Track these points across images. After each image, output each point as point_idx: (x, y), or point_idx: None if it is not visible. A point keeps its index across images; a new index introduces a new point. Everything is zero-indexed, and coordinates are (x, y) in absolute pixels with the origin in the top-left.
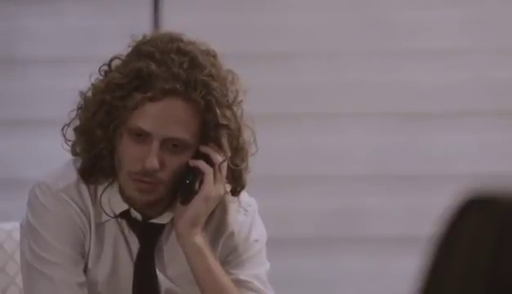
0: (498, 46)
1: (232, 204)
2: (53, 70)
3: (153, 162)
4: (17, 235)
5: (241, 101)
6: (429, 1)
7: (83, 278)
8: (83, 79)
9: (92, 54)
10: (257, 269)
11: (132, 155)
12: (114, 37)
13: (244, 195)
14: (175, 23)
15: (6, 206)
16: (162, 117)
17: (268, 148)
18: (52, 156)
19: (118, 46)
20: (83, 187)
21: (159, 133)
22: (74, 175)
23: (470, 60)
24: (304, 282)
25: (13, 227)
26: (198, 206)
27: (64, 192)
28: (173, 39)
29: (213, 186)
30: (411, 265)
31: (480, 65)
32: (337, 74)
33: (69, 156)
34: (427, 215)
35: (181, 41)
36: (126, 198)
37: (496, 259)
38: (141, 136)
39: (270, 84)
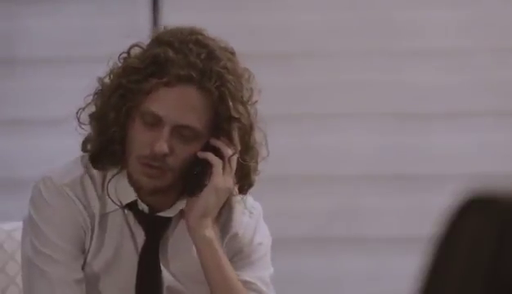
0: (498, 46)
1: (238, 205)
2: (53, 70)
3: (162, 146)
4: (17, 235)
5: (256, 101)
6: (429, 1)
7: (80, 275)
8: (82, 79)
9: (91, 54)
10: (262, 271)
11: (142, 139)
12: (113, 37)
13: (249, 199)
14: (174, 22)
15: (6, 206)
16: (175, 103)
17: (268, 148)
18: (52, 156)
19: (117, 45)
20: (88, 182)
21: (171, 119)
22: (79, 171)
23: (470, 60)
24: (304, 281)
25: (13, 227)
26: (208, 197)
27: (68, 186)
28: (194, 32)
29: (222, 178)
30: (411, 265)
31: (480, 65)
32: (337, 74)
33: (68, 156)
34: (427, 215)
35: (201, 34)
36: (135, 186)
37: (496, 259)
38: (153, 121)
39: (270, 84)
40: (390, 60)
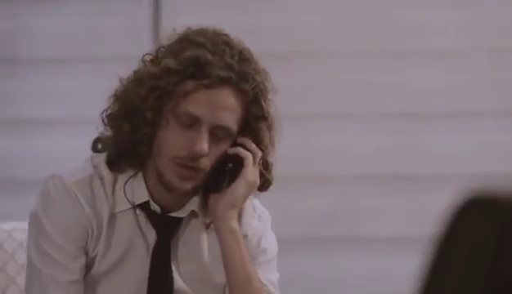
0: (498, 46)
1: (248, 207)
2: (53, 70)
3: (203, 146)
4: (17, 235)
5: (270, 100)
6: (429, 1)
7: (76, 277)
8: (83, 79)
9: (92, 54)
10: (269, 274)
11: (178, 140)
12: (114, 38)
13: (257, 203)
14: (176, 23)
15: (6, 206)
16: (215, 104)
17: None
18: (52, 156)
19: (118, 46)
20: (97, 183)
21: (209, 120)
22: (88, 171)
23: (470, 60)
24: (304, 282)
25: (13, 227)
26: (238, 188)
27: (76, 186)
28: (217, 33)
29: (253, 170)
30: (411, 265)
31: (480, 65)
32: (337, 74)
33: (68, 155)
34: (427, 215)
35: (225, 35)
36: (167, 188)
37: (496, 259)
38: (190, 122)
39: None
40: (390, 60)
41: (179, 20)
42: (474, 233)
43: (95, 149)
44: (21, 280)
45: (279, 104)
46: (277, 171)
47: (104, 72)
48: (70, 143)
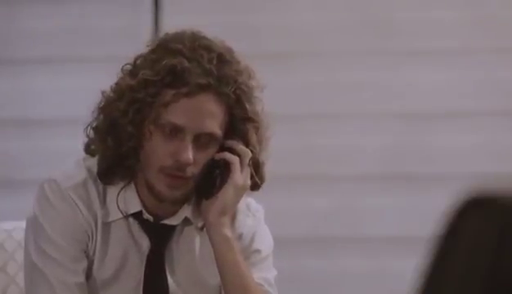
0: (498, 46)
1: (242, 206)
2: (53, 70)
3: (188, 155)
4: (17, 235)
5: (256, 98)
6: (429, 1)
7: (81, 279)
8: (82, 80)
9: (92, 54)
10: (266, 272)
11: (163, 150)
12: (114, 38)
13: (252, 201)
14: (175, 23)
15: (6, 206)
16: (196, 112)
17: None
18: (52, 155)
19: (118, 46)
20: (91, 187)
21: (193, 128)
22: (82, 174)
23: (471, 60)
24: (304, 282)
25: (13, 227)
26: (227, 194)
27: (72, 191)
28: (196, 37)
29: (241, 175)
30: (411, 265)
31: (481, 65)
32: (337, 74)
33: (67, 155)
34: (427, 215)
35: (204, 37)
36: (157, 198)
37: (496, 259)
38: (173, 132)
39: (270, 84)
40: (390, 60)
41: (179, 21)
42: (474, 233)
43: (87, 150)
44: (21, 280)
45: (279, 104)
46: (277, 171)
47: (103, 72)
48: (70, 143)
